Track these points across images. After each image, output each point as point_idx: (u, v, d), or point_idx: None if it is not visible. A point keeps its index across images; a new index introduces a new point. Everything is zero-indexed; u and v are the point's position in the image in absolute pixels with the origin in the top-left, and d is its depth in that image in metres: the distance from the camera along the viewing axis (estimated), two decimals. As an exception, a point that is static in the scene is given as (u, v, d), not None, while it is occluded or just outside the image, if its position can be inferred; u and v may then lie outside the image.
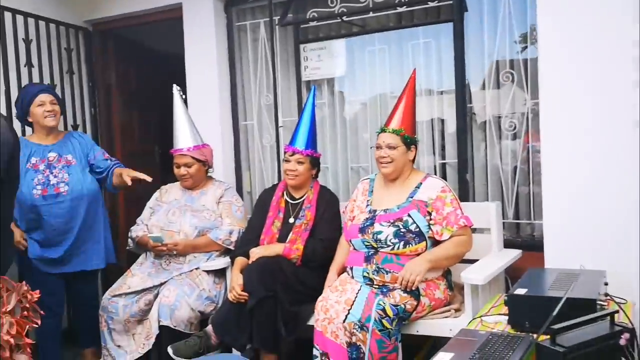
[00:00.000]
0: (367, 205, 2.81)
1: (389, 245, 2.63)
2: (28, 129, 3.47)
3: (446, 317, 2.67)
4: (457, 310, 2.70)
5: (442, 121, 3.45)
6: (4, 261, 2.16)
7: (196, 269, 3.17)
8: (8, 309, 1.53)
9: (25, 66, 3.72)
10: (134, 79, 4.72)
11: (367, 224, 2.70)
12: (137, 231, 3.34)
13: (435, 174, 3.40)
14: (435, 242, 2.68)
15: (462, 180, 3.31)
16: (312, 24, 3.66)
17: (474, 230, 2.82)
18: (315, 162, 3.15)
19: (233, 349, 2.92)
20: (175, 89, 3.37)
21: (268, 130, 3.92)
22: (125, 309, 3.10)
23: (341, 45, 3.67)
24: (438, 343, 2.56)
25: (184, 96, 3.43)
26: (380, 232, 2.64)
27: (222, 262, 3.19)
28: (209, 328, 2.91)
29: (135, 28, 4.30)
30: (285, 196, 3.19)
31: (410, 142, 2.78)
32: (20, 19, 3.69)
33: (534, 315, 1.97)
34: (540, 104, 2.70)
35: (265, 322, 2.77)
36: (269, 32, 3.80)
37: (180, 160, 3.31)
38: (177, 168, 3.33)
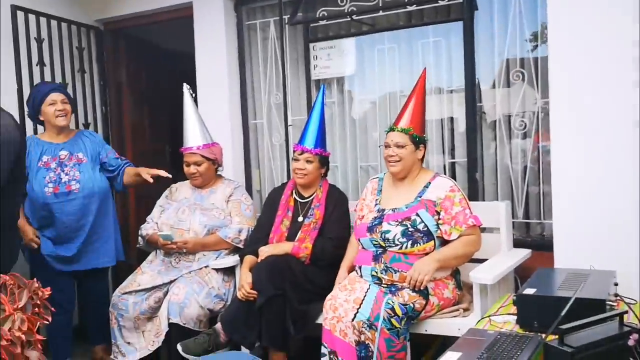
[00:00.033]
0: (376, 204, 2.81)
1: (397, 245, 2.63)
2: (39, 128, 3.50)
3: (455, 316, 2.66)
4: (465, 309, 2.70)
5: (452, 120, 3.43)
6: (11, 257, 2.18)
7: (205, 267, 3.19)
8: (19, 306, 1.55)
9: (37, 65, 3.76)
10: (144, 78, 4.74)
11: (376, 223, 2.70)
12: (147, 229, 3.36)
13: (445, 173, 3.39)
14: (444, 242, 2.67)
15: (471, 180, 3.29)
16: (321, 22, 3.66)
17: (483, 230, 2.81)
18: (324, 161, 3.15)
19: (242, 346, 2.93)
20: (185, 87, 3.39)
21: (277, 129, 3.93)
22: (135, 307, 3.13)
23: (351, 44, 3.66)
24: (447, 342, 2.56)
25: (193, 95, 3.45)
26: (388, 231, 2.64)
27: (231, 260, 3.20)
28: (218, 326, 2.93)
29: (146, 27, 4.32)
30: (294, 195, 3.19)
31: (419, 141, 2.77)
32: (32, 18, 3.72)
33: (543, 315, 1.96)
34: (550, 104, 2.69)
35: (274, 321, 2.78)
36: (279, 31, 3.81)
37: (190, 159, 3.32)
38: (186, 166, 3.35)
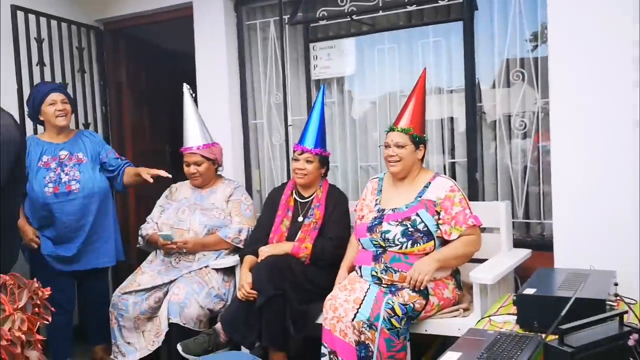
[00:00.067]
0: (376, 204, 2.82)
1: (397, 245, 2.63)
2: (40, 128, 3.50)
3: (455, 316, 2.66)
4: (465, 309, 2.70)
5: (452, 120, 3.43)
6: (11, 257, 2.18)
7: (205, 267, 3.19)
8: (19, 306, 1.55)
9: (37, 65, 3.76)
10: (144, 78, 4.74)
11: (376, 223, 2.70)
12: (147, 229, 3.36)
13: (445, 173, 3.39)
14: (444, 242, 2.67)
15: (471, 180, 3.29)
16: (321, 22, 3.66)
17: (483, 230, 2.81)
18: (324, 161, 3.15)
19: (242, 346, 2.93)
20: (185, 87, 3.39)
21: (277, 129, 3.93)
22: (135, 307, 3.13)
23: (351, 44, 3.66)
24: (447, 342, 2.56)
25: (193, 95, 3.45)
26: (388, 231, 2.64)
27: (231, 260, 3.20)
28: (218, 326, 2.93)
29: (146, 27, 4.33)
30: (294, 195, 3.20)
31: (419, 141, 2.77)
32: (32, 18, 3.72)
33: (543, 315, 1.96)
34: (550, 104, 2.69)
35: (274, 321, 2.78)
36: (279, 31, 3.81)
37: (190, 159, 3.32)
38: (186, 166, 3.35)
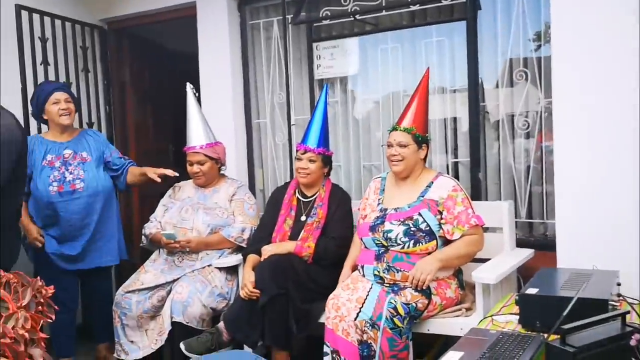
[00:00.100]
0: (379, 203, 2.82)
1: (399, 244, 2.63)
2: (44, 128, 3.51)
3: (457, 316, 2.66)
4: (468, 309, 2.70)
5: (455, 120, 3.43)
6: (11, 256, 2.19)
7: (208, 266, 3.20)
8: (23, 304, 1.55)
9: (41, 64, 3.77)
10: (148, 77, 4.76)
11: (378, 222, 2.71)
12: (150, 228, 3.37)
13: (448, 172, 3.39)
14: (446, 241, 2.67)
15: (474, 179, 3.29)
16: (325, 22, 3.66)
17: (486, 230, 2.81)
18: (327, 161, 3.15)
19: (245, 345, 2.94)
20: (189, 87, 3.40)
21: (281, 128, 3.93)
22: (139, 305, 3.14)
23: (354, 43, 3.66)
24: (449, 342, 2.56)
25: (197, 94, 3.46)
26: (390, 231, 2.64)
27: (234, 259, 3.21)
28: (221, 325, 2.94)
29: (150, 26, 4.34)
30: (297, 194, 3.20)
31: (421, 140, 2.77)
32: (36, 17, 3.74)
33: (545, 315, 1.96)
34: (553, 103, 2.69)
35: (277, 320, 2.79)
36: (282, 31, 3.81)
37: (193, 158, 3.33)
38: (190, 166, 3.36)
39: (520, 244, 3.04)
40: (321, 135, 3.11)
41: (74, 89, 3.92)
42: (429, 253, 2.63)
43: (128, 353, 3.16)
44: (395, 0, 3.40)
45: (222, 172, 3.49)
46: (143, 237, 3.42)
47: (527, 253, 2.90)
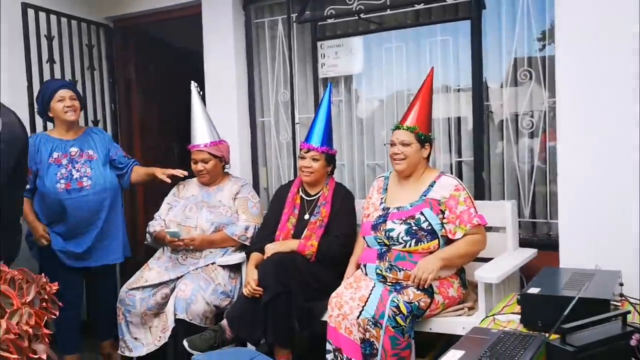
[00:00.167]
0: (381, 202, 2.82)
1: (400, 243, 2.63)
2: (50, 126, 3.53)
3: (459, 315, 2.67)
4: (470, 308, 2.70)
5: (459, 119, 3.43)
6: (11, 251, 2.21)
7: (212, 263, 3.21)
8: (27, 300, 1.57)
9: (47, 62, 3.79)
10: (153, 75, 4.77)
11: (380, 221, 2.71)
12: (154, 226, 3.39)
13: (452, 171, 3.39)
14: (448, 241, 2.68)
15: (478, 179, 3.29)
16: (329, 21, 3.66)
17: (489, 229, 2.82)
18: (330, 159, 3.16)
19: (247, 343, 2.95)
20: (193, 85, 3.41)
21: (285, 127, 3.94)
22: (142, 302, 3.15)
23: (358, 42, 3.66)
24: (451, 341, 2.56)
25: (201, 93, 3.47)
26: (392, 230, 2.65)
27: (237, 257, 3.22)
28: (224, 322, 2.95)
29: (156, 24, 4.35)
30: (300, 193, 3.21)
31: (424, 139, 2.78)
32: (42, 15, 3.76)
33: (547, 314, 1.96)
34: (557, 103, 2.68)
35: (280, 318, 2.80)
36: (287, 29, 3.82)
37: (198, 156, 3.34)
38: (194, 164, 3.37)
39: (523, 243, 3.04)
40: (325, 134, 3.11)
41: (79, 87, 3.94)
42: (431, 252, 2.63)
43: (132, 350, 3.18)
44: (400, -1, 3.40)
45: (226, 170, 3.50)
46: (147, 234, 3.43)
47: (530, 253, 2.90)
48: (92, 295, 3.56)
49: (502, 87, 3.27)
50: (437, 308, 2.64)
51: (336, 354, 2.57)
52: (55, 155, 3.26)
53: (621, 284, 2.20)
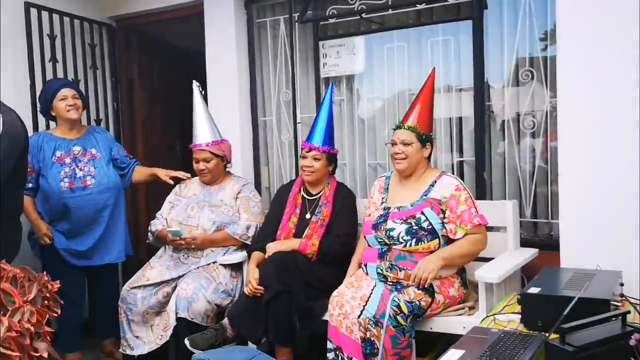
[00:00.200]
0: (382, 202, 2.83)
1: (401, 242, 2.64)
2: (52, 125, 3.54)
3: (460, 314, 2.67)
4: (471, 308, 2.70)
5: (461, 119, 3.43)
6: (12, 248, 2.21)
7: (213, 262, 3.22)
8: (29, 298, 1.58)
9: (49, 61, 3.80)
10: (156, 75, 4.79)
11: (381, 220, 2.72)
12: (156, 225, 3.40)
13: (453, 171, 3.39)
14: (449, 240, 2.68)
15: (480, 179, 3.29)
16: (331, 21, 3.67)
17: (490, 229, 2.82)
18: (332, 159, 3.16)
19: (248, 342, 2.96)
20: (195, 84, 3.42)
21: (286, 126, 3.95)
22: (144, 301, 3.16)
23: (360, 42, 3.67)
24: (452, 340, 2.56)
25: (203, 92, 3.48)
26: (392, 229, 2.65)
27: (239, 256, 3.23)
28: (225, 321, 2.96)
29: (158, 24, 4.36)
30: (302, 192, 3.21)
31: (425, 139, 2.78)
32: (45, 15, 3.77)
33: (547, 314, 1.96)
34: (558, 103, 2.68)
35: (281, 316, 2.80)
36: (289, 29, 3.82)
37: (199, 156, 3.35)
38: (196, 163, 3.38)
39: (524, 243, 3.04)
40: (326, 134, 3.12)
41: (82, 86, 3.95)
42: (432, 252, 2.64)
43: (133, 348, 3.19)
44: (401, -1, 3.41)
45: (227, 169, 3.51)
46: (149, 233, 3.44)
47: (531, 253, 2.90)
48: (94, 293, 3.58)
49: (503, 87, 3.27)
50: (437, 307, 2.64)
51: (337, 353, 2.58)
52: (58, 154, 3.28)
53: (622, 284, 2.20)
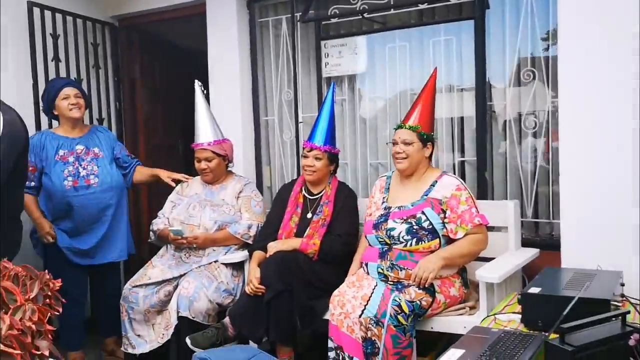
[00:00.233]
0: (383, 202, 2.83)
1: (401, 242, 2.64)
2: (55, 124, 3.55)
3: (461, 314, 2.67)
4: (472, 307, 2.70)
5: (462, 119, 3.43)
6: (12, 247, 2.22)
7: (215, 261, 3.23)
8: (31, 297, 1.58)
9: (52, 61, 3.81)
10: (158, 74, 4.79)
11: (381, 220, 2.72)
12: (158, 224, 3.40)
13: (455, 171, 3.40)
14: (450, 240, 2.68)
15: (481, 179, 3.30)
16: (333, 20, 3.68)
17: (491, 229, 2.82)
18: (333, 158, 3.17)
19: (250, 341, 2.96)
20: (197, 84, 3.42)
21: (288, 125, 3.95)
22: (146, 300, 3.17)
23: (362, 41, 3.67)
24: (452, 340, 2.57)
25: (205, 91, 3.48)
26: (393, 229, 2.66)
27: (240, 255, 3.24)
28: (227, 320, 2.96)
29: (160, 23, 4.37)
30: (303, 191, 3.22)
31: (426, 139, 2.78)
32: (48, 14, 3.78)
33: (547, 314, 1.96)
34: (559, 103, 2.68)
35: (282, 316, 2.81)
36: (291, 29, 3.83)
37: (201, 155, 3.35)
38: (197, 162, 3.38)
39: (526, 243, 3.04)
40: (328, 133, 3.12)
41: (84, 85, 3.95)
42: (432, 251, 2.64)
43: (135, 347, 3.20)
44: (403, -2, 3.41)
45: (229, 169, 3.51)
46: (151, 232, 3.45)
47: (532, 253, 2.90)
48: (97, 292, 3.59)
49: (505, 87, 3.27)
50: (438, 307, 2.64)
51: (338, 352, 2.58)
52: (61, 152, 3.29)
53: (622, 285, 2.20)
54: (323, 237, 3.00)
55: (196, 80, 3.44)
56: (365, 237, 2.83)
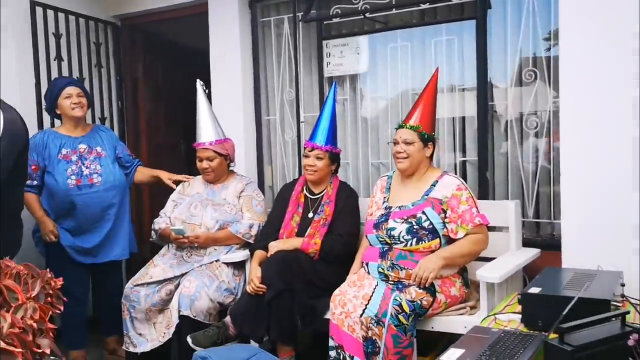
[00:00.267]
0: (384, 201, 2.84)
1: (402, 242, 2.65)
2: (57, 123, 3.56)
3: (462, 314, 2.68)
4: (472, 307, 2.71)
5: (464, 119, 3.43)
6: (12, 245, 2.23)
7: (216, 261, 3.23)
8: (32, 295, 1.59)
9: (55, 60, 3.82)
10: (160, 73, 4.80)
11: (382, 220, 2.73)
12: (160, 223, 3.41)
13: (456, 171, 3.39)
14: (450, 240, 2.69)
15: (482, 178, 3.29)
16: (335, 20, 3.67)
17: (492, 229, 2.82)
18: (334, 158, 3.17)
19: (250, 340, 2.97)
20: (199, 83, 3.43)
21: (290, 125, 3.96)
22: (147, 298, 3.18)
23: (364, 41, 3.67)
24: (453, 340, 2.57)
25: (207, 91, 3.49)
26: (393, 229, 2.66)
27: (241, 254, 3.24)
28: (228, 319, 2.97)
29: (163, 23, 4.38)
30: (304, 191, 3.22)
31: (427, 138, 2.79)
32: (50, 13, 3.79)
33: (547, 314, 1.95)
34: (560, 103, 2.68)
35: (283, 315, 2.82)
36: (293, 28, 3.83)
37: (203, 154, 3.36)
38: (199, 162, 3.39)
39: (527, 243, 3.04)
40: (329, 133, 3.12)
41: (87, 85, 3.96)
42: (432, 251, 2.64)
43: (136, 345, 3.20)
44: (405, -2, 3.41)
45: (231, 168, 3.52)
46: (152, 232, 3.46)
47: (532, 253, 2.90)
48: (98, 291, 3.60)
49: (506, 87, 3.27)
50: (439, 307, 2.65)
51: (338, 351, 2.59)
52: (64, 151, 3.30)
53: (623, 285, 2.20)
54: (324, 236, 3.01)
55: (198, 80, 3.45)
56: (366, 236, 2.83)
